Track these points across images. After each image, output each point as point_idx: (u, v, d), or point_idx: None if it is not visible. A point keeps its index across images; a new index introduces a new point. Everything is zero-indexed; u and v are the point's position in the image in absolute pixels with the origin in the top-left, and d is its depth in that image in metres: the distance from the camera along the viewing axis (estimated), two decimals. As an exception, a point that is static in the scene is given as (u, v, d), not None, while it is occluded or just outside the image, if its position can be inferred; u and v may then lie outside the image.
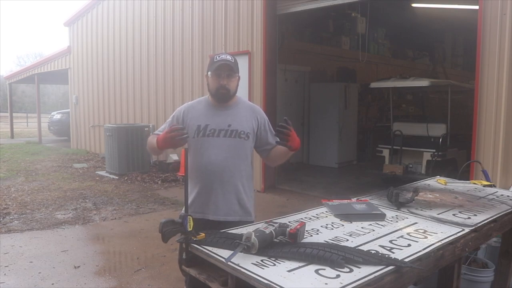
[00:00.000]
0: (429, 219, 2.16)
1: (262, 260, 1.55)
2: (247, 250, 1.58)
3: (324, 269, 1.48)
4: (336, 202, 2.35)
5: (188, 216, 1.73)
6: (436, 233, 1.93)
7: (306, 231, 1.86)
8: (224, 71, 2.24)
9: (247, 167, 2.36)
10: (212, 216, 2.26)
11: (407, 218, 2.19)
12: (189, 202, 2.22)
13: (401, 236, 1.88)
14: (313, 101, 10.14)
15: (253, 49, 7.41)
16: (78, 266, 4.04)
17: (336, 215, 2.18)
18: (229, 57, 2.26)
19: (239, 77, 2.34)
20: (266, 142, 2.38)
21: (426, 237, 1.87)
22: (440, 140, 7.03)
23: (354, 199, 2.48)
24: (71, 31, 12.88)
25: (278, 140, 2.11)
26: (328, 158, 9.81)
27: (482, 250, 3.40)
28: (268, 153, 2.40)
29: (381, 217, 2.15)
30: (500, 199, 2.67)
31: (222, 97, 2.28)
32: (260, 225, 1.76)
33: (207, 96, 2.41)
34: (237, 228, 1.96)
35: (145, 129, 9.24)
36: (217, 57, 2.26)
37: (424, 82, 7.45)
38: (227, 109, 2.32)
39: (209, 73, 2.28)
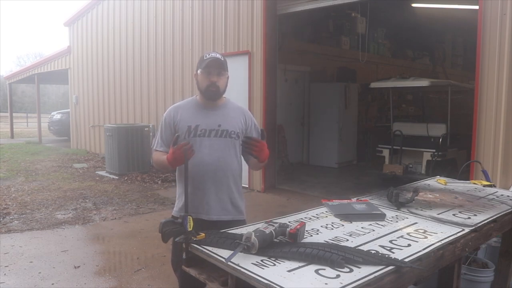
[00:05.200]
0: (429, 219, 2.16)
1: (262, 260, 1.55)
2: (247, 250, 1.58)
3: (324, 269, 1.48)
4: (336, 202, 2.35)
5: (188, 216, 1.74)
6: (436, 233, 1.93)
7: (306, 231, 1.86)
8: (214, 68, 2.25)
9: (238, 166, 2.39)
10: (205, 216, 2.26)
11: (407, 218, 2.19)
12: (181, 202, 2.23)
13: (401, 236, 1.88)
14: (313, 101, 10.15)
15: (253, 49, 7.41)
16: (78, 266, 4.04)
17: (336, 215, 2.18)
18: (218, 55, 2.28)
19: (228, 76, 2.35)
20: None
21: (426, 237, 1.87)
22: (440, 140, 7.04)
23: (354, 199, 2.48)
24: (71, 31, 12.88)
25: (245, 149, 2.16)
26: (328, 158, 9.81)
27: (482, 250, 3.39)
28: (250, 157, 2.41)
29: (381, 217, 2.15)
30: (500, 199, 2.67)
31: (212, 94, 2.29)
32: (260, 225, 1.76)
33: (195, 96, 2.41)
34: (237, 228, 1.96)
35: (145, 129, 9.24)
36: (207, 55, 2.27)
37: (424, 82, 7.46)
38: (216, 110, 2.33)
39: (198, 71, 2.28)
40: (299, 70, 9.91)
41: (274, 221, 1.83)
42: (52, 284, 3.65)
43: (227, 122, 2.31)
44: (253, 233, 1.61)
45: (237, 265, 1.51)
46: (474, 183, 3.18)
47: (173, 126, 2.31)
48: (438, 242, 1.82)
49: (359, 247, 1.71)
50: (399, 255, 1.63)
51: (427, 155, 7.03)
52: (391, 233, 1.93)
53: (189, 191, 2.24)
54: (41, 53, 43.14)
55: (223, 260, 1.55)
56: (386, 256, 1.60)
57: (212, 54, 2.27)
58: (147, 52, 10.03)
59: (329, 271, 1.47)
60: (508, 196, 2.78)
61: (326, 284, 1.38)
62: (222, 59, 2.28)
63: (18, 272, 3.88)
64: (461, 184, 3.16)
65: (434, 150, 6.92)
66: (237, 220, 2.30)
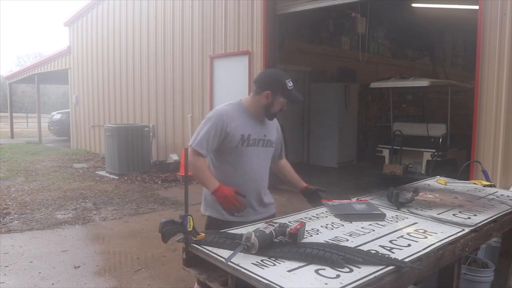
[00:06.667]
0: (429, 219, 2.17)
1: (262, 260, 1.55)
2: (247, 250, 1.59)
3: (324, 269, 1.48)
4: (336, 202, 2.35)
5: (188, 216, 1.73)
6: (436, 233, 1.93)
7: (306, 231, 1.86)
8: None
9: None
10: (252, 217, 2.36)
11: (407, 218, 2.19)
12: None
13: (401, 236, 1.88)
14: (313, 101, 10.14)
15: (253, 49, 7.41)
16: (78, 266, 4.04)
17: (336, 215, 2.18)
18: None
19: None
20: (278, 150, 2.61)
21: (426, 237, 1.87)
22: (440, 140, 7.03)
23: (354, 199, 2.48)
24: (71, 31, 12.88)
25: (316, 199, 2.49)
26: (328, 158, 9.81)
27: (482, 250, 3.39)
28: (276, 160, 2.64)
29: (381, 217, 2.15)
30: (500, 199, 2.67)
31: (275, 117, 2.45)
32: (260, 225, 1.77)
33: (240, 102, 2.43)
34: (237, 228, 1.97)
35: (145, 129, 9.24)
36: (289, 84, 2.35)
37: (424, 82, 7.45)
38: (263, 120, 2.44)
39: (281, 98, 2.33)
40: (299, 70, 9.89)
41: (274, 221, 1.83)
42: (52, 284, 3.65)
43: (269, 133, 2.46)
44: (253, 233, 1.61)
45: (237, 265, 1.51)
46: (474, 183, 3.18)
47: (224, 133, 2.30)
48: (438, 242, 1.82)
49: (359, 247, 1.71)
50: (399, 255, 1.63)
51: (427, 155, 7.03)
52: (391, 233, 1.93)
53: None
54: (41, 53, 43.18)
55: (223, 260, 1.55)
56: (386, 256, 1.60)
57: (293, 84, 2.38)
58: (147, 52, 10.03)
59: (329, 271, 1.47)
60: (508, 196, 2.78)
61: (326, 284, 1.38)
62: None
63: (18, 272, 3.88)
64: (461, 184, 3.16)
65: (434, 150, 6.91)
66: (271, 214, 2.49)
